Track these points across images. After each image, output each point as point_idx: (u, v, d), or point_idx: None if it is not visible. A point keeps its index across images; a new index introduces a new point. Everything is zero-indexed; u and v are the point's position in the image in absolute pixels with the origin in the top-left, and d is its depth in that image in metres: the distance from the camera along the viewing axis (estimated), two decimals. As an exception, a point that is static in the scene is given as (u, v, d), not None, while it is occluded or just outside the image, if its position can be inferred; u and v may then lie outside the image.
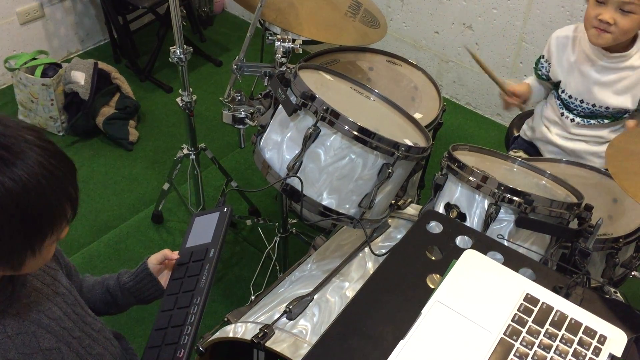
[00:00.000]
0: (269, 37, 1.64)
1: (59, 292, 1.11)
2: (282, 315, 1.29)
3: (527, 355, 0.96)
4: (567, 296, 1.08)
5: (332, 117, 1.30)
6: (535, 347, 0.97)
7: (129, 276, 1.28)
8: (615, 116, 1.86)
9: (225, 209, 1.19)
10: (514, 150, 2.11)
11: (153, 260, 1.26)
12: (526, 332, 0.99)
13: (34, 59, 2.76)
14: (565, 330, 1.00)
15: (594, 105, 1.86)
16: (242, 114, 1.67)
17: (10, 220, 0.88)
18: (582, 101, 1.87)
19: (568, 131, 1.93)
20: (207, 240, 1.14)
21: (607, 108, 1.84)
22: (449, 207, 1.44)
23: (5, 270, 0.96)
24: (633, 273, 1.67)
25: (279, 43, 1.62)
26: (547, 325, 1.01)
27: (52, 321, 1.06)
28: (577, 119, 1.90)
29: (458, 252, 1.13)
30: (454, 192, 1.44)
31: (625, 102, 1.82)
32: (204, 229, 1.18)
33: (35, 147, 0.90)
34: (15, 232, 0.90)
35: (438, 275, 1.09)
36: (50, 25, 3.20)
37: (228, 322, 1.37)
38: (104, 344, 1.17)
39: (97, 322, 1.19)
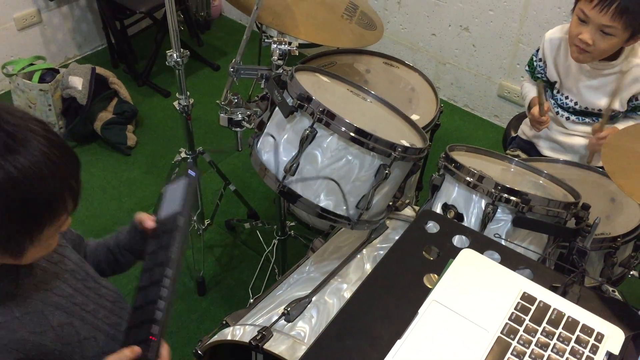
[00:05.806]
0: (265, 40, 1.65)
1: (67, 269, 1.12)
2: (280, 317, 1.29)
3: (524, 353, 0.96)
4: (564, 294, 1.08)
5: (328, 119, 1.30)
6: (532, 346, 0.97)
7: (125, 234, 1.27)
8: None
9: (194, 173, 1.17)
10: (512, 149, 2.11)
11: (137, 218, 1.22)
12: (523, 331, 0.99)
13: (32, 64, 2.77)
14: (562, 328, 1.00)
15: (586, 108, 1.89)
16: (239, 117, 1.67)
17: (9, 206, 0.89)
18: (575, 103, 1.89)
19: (565, 127, 1.94)
20: (177, 209, 1.11)
21: (600, 110, 1.86)
22: (446, 207, 1.44)
23: (6, 259, 0.97)
24: (631, 272, 1.67)
25: (275, 45, 1.62)
26: (544, 324, 1.01)
27: (62, 298, 1.08)
28: (572, 117, 1.92)
29: (455, 251, 1.13)
30: (451, 193, 1.44)
31: (614, 104, 1.84)
32: (173, 198, 1.15)
33: (40, 137, 0.91)
34: (13, 218, 0.91)
35: (435, 275, 1.09)
36: (47, 30, 3.20)
37: (226, 325, 1.37)
38: (119, 313, 1.19)
39: (112, 293, 1.20)
